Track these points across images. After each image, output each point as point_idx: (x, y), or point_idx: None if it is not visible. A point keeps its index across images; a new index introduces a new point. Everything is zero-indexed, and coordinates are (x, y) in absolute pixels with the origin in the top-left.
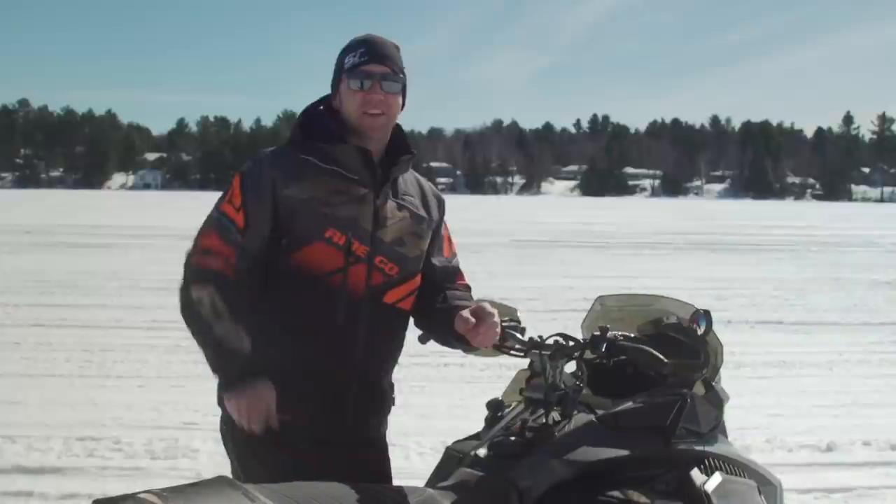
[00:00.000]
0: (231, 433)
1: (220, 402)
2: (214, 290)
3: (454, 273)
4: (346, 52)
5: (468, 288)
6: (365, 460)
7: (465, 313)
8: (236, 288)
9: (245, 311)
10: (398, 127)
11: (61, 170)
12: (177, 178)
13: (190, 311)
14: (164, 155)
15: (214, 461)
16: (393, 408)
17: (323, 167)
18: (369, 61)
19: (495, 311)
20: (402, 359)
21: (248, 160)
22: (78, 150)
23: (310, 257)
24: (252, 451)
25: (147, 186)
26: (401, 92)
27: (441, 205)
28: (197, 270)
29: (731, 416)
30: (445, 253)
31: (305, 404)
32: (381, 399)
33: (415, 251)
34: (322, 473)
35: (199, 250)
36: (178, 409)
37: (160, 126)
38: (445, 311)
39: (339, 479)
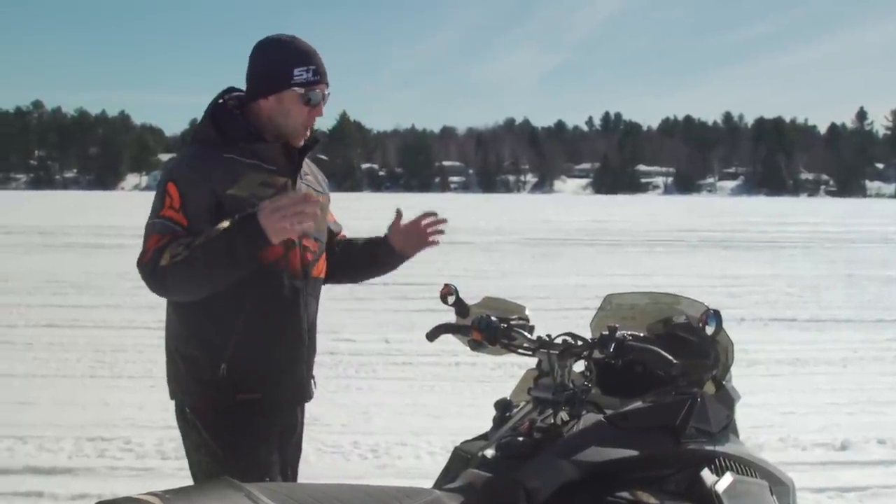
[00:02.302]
0: (197, 420)
1: (173, 395)
2: (169, 249)
3: (338, 231)
4: (289, 62)
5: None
6: (302, 420)
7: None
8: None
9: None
10: None
11: (75, 171)
12: None
13: (173, 277)
14: (178, 155)
15: None
16: (404, 407)
17: (247, 162)
18: (320, 81)
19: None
20: (412, 358)
21: (174, 164)
22: (91, 151)
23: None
24: (224, 430)
25: None
26: None
27: (326, 181)
28: (147, 261)
29: (744, 414)
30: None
31: (275, 384)
32: (315, 352)
33: (323, 224)
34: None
35: (145, 251)
36: None
37: (173, 127)
38: (351, 243)
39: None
